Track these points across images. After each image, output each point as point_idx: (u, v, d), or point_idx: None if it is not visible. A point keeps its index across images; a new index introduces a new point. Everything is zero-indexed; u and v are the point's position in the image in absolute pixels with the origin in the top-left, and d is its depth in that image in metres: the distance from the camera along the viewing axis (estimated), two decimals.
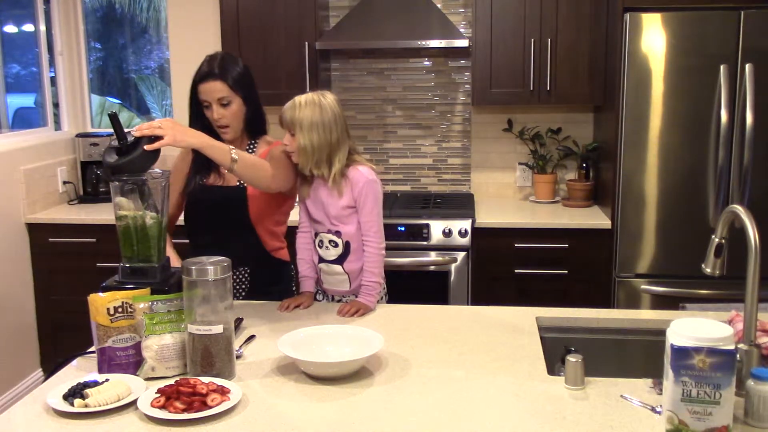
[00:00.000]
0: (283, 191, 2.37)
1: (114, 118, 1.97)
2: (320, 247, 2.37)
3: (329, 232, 2.34)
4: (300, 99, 2.26)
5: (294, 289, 2.60)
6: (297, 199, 2.45)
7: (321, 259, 2.38)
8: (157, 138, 1.95)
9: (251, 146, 2.45)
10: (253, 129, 2.45)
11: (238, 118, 2.37)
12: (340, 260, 2.35)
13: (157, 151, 1.97)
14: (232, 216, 2.41)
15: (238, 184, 2.40)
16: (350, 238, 2.33)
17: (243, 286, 2.46)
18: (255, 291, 2.46)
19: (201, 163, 2.40)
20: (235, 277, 2.42)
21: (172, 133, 1.97)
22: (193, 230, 2.48)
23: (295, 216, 2.52)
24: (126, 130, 1.98)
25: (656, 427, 1.52)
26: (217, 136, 2.32)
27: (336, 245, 2.34)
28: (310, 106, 2.24)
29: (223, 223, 2.41)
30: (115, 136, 1.99)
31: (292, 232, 2.57)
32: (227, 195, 2.41)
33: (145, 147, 1.94)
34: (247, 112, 2.39)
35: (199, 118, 2.38)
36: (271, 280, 2.51)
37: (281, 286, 2.54)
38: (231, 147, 2.13)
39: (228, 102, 2.33)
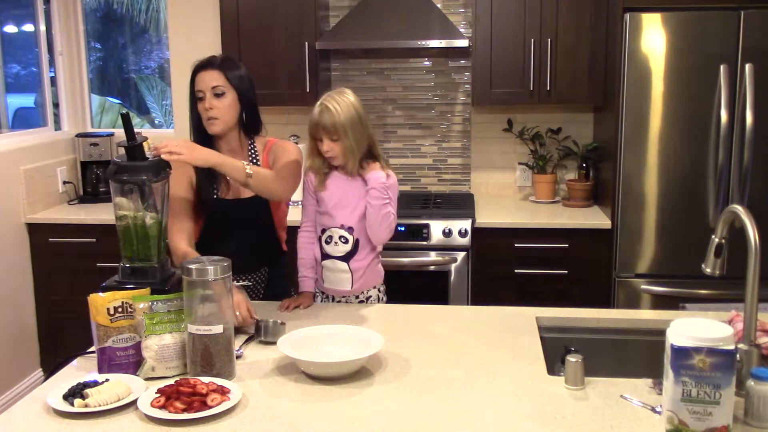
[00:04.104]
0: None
1: (126, 119, 2.00)
2: (328, 243, 2.36)
3: (342, 227, 2.34)
4: (333, 104, 2.25)
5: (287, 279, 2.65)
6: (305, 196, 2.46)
7: (326, 256, 2.37)
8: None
9: (251, 146, 2.45)
10: (250, 130, 2.46)
11: (229, 114, 2.34)
12: (347, 257, 2.35)
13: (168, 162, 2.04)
14: (259, 226, 2.43)
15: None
16: (360, 236, 2.34)
17: (263, 285, 2.50)
18: (271, 287, 2.51)
19: (206, 177, 2.37)
20: (256, 277, 2.46)
21: (189, 152, 2.06)
22: (213, 245, 2.30)
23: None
24: (136, 130, 2.01)
25: (656, 427, 1.52)
26: (208, 135, 2.35)
27: (346, 242, 2.34)
28: (345, 107, 2.26)
29: (248, 234, 2.42)
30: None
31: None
32: (252, 208, 2.40)
33: (164, 156, 2.01)
34: (242, 111, 2.38)
35: (196, 112, 2.38)
36: (280, 272, 2.57)
37: (284, 278, 2.59)
38: (245, 163, 2.17)
39: (222, 93, 2.31)
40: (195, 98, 2.36)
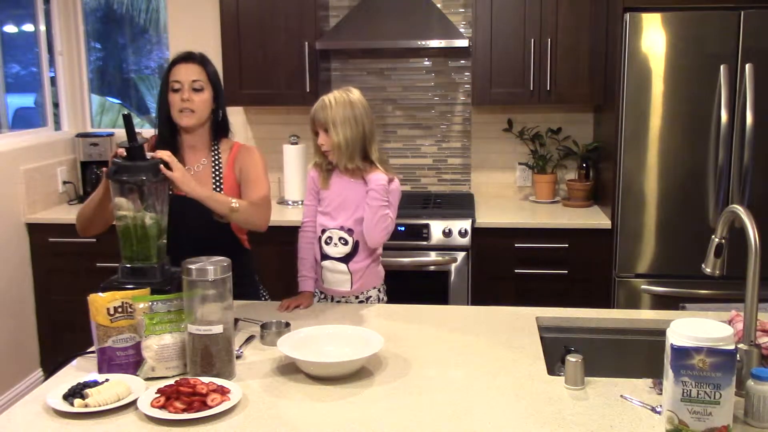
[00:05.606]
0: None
1: (128, 120, 2.00)
2: (327, 243, 2.36)
3: (342, 228, 2.34)
4: (330, 98, 2.30)
5: (256, 277, 2.60)
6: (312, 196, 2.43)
7: (326, 257, 2.37)
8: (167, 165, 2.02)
9: (215, 147, 2.43)
10: (219, 131, 2.44)
11: (204, 109, 2.35)
12: (346, 259, 2.35)
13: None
14: (213, 223, 2.36)
15: (213, 189, 2.38)
16: (360, 238, 2.33)
17: None
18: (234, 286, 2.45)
19: None
20: None
21: (182, 175, 2.05)
22: (167, 241, 2.27)
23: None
24: (137, 130, 2.01)
25: (656, 427, 1.52)
26: (174, 127, 2.34)
27: (345, 243, 2.34)
28: (341, 103, 2.29)
29: (203, 231, 2.36)
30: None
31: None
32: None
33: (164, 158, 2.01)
34: (214, 111, 2.39)
35: (166, 109, 2.35)
36: (243, 272, 2.49)
37: (249, 277, 2.55)
38: (232, 199, 2.19)
39: (201, 88, 2.32)
40: (167, 89, 2.34)
